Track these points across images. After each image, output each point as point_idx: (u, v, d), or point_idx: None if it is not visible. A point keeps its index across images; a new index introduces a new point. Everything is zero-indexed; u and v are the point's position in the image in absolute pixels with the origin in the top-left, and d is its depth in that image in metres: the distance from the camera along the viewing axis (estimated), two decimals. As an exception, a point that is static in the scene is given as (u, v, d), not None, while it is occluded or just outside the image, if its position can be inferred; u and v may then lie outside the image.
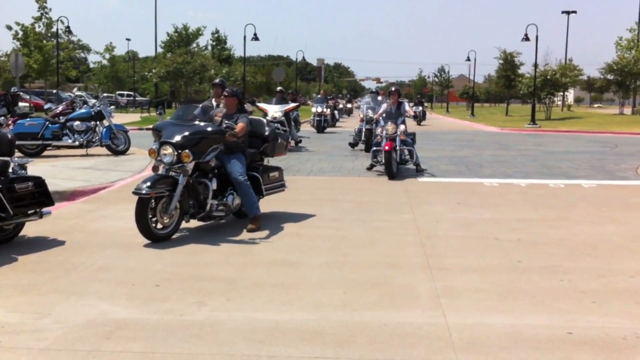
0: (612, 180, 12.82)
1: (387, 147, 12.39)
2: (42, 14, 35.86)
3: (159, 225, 7.35)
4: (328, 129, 28.32)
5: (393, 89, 14.23)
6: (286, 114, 18.30)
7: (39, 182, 7.38)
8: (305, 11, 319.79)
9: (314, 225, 8.41)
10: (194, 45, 46.22)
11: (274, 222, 8.53)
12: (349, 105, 47.16)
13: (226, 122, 7.87)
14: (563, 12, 64.87)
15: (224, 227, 8.31)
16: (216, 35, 47.92)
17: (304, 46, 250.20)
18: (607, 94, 78.99)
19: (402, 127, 13.01)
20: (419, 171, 13.35)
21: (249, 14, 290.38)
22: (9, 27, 36.17)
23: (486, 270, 6.33)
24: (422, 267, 6.42)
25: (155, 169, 7.57)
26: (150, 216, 7.23)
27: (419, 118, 36.53)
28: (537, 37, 33.73)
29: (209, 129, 7.60)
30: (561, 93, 47.14)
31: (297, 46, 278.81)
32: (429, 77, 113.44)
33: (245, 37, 32.34)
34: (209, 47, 47.43)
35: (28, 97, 41.23)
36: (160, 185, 7.20)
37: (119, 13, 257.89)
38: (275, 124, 13.81)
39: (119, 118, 34.75)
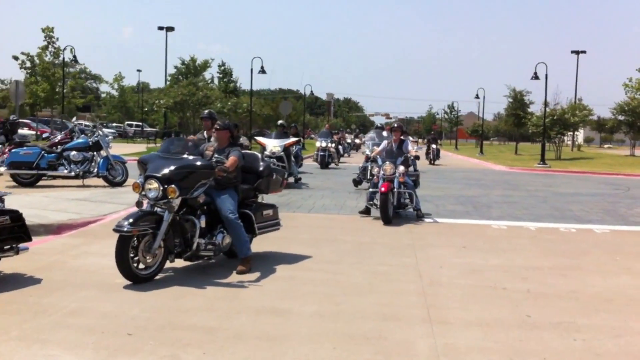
0: (625, 226, 12.25)
1: (383, 189, 11.39)
2: (48, 42, 35.88)
3: (141, 265, 6.86)
4: (332, 165, 27.68)
5: (396, 124, 13.26)
6: (286, 149, 17.62)
7: (16, 216, 6.93)
8: (315, 45, 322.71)
9: (309, 268, 7.90)
10: (201, 77, 46.26)
11: (267, 263, 8.02)
12: (357, 141, 46.75)
13: (216, 156, 7.41)
14: (572, 52, 64.85)
15: (212, 267, 7.81)
16: (222, 67, 47.97)
17: (311, 80, 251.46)
18: (618, 135, 78.58)
19: (401, 168, 11.87)
20: (419, 217, 12.13)
21: (261, 47, 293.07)
22: (16, 57, 36.21)
23: (492, 325, 5.78)
24: (422, 320, 5.88)
25: (139, 204, 7.10)
26: (132, 255, 6.74)
27: (433, 157, 34.08)
28: (546, 75, 33.45)
29: (198, 163, 7.14)
30: (571, 133, 46.63)
31: (306, 81, 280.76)
32: (438, 113, 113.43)
33: (252, 69, 32.27)
34: (215, 80, 47.49)
35: (35, 125, 41.33)
36: (143, 223, 6.72)
37: (132, 45, 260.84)
38: (272, 159, 13.19)
39: (125, 148, 34.72)
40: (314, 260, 8.36)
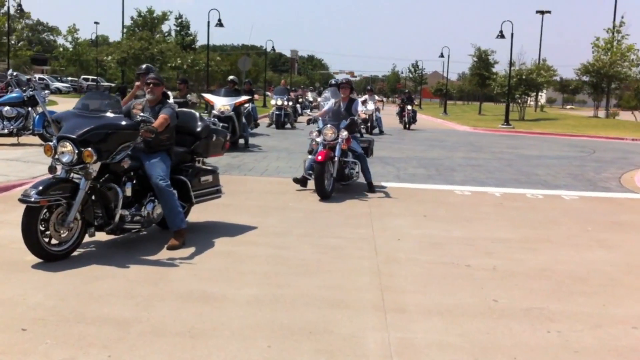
0: (594, 192, 11.63)
1: (319, 157, 9.54)
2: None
3: (54, 241, 5.92)
4: (289, 126, 25.40)
5: (344, 80, 11.23)
6: (236, 108, 16.01)
7: None
8: (280, 1, 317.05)
9: (253, 242, 7.04)
10: (158, 30, 44.43)
11: (205, 235, 7.15)
12: (319, 99, 45.45)
13: (142, 114, 6.42)
14: (537, 12, 64.23)
15: (141, 241, 6.91)
16: (179, 20, 46.08)
17: (275, 36, 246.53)
18: (580, 96, 78.72)
19: (344, 132, 9.98)
20: (371, 191, 10.42)
21: (225, 1, 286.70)
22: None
23: (454, 313, 5.03)
24: (374, 307, 5.09)
25: (51, 169, 6.13)
26: (42, 229, 5.80)
27: (408, 120, 28.96)
28: (512, 34, 32.64)
29: (120, 122, 6.16)
30: (534, 93, 46.24)
31: (270, 37, 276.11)
32: (402, 72, 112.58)
33: (209, 22, 30.64)
34: (172, 33, 45.63)
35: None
36: (54, 191, 5.77)
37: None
38: (213, 119, 11.64)
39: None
40: (259, 231, 7.51)
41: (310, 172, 9.92)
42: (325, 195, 9.59)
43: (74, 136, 5.91)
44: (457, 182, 12.09)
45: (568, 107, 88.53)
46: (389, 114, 36.15)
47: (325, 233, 7.57)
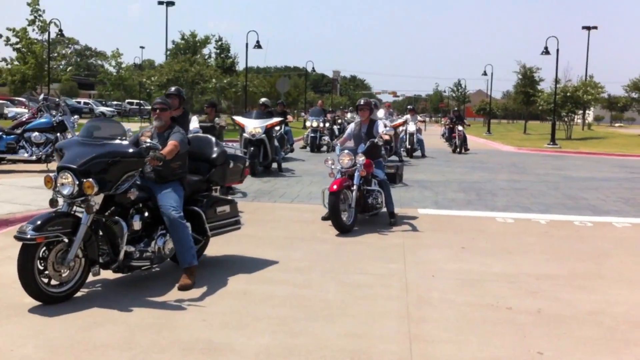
0: (649, 218, 10.79)
1: (334, 187, 8.74)
2: (35, 17, 34.14)
3: (53, 282, 5.47)
4: (325, 148, 23.15)
5: (362, 101, 10.08)
6: (268, 130, 15.49)
7: None
8: (323, 23, 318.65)
9: (272, 279, 6.49)
10: (200, 54, 44.56)
11: (221, 272, 6.63)
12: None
13: (148, 141, 5.94)
14: (584, 28, 62.76)
15: (152, 279, 6.41)
16: (219, 43, 46.16)
17: (319, 58, 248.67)
18: (628, 113, 76.53)
19: (361, 157, 9.06)
20: (392, 224, 9.37)
21: (268, 25, 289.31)
22: (-1, 35, 34.49)
23: (492, 369, 4.38)
24: (400, 361, 4.47)
25: (53, 203, 5.70)
26: (41, 268, 5.36)
27: (460, 144, 25.69)
28: (557, 50, 31.61)
29: (123, 149, 5.69)
30: (581, 111, 44.88)
31: (312, 57, 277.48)
32: (445, 91, 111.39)
33: (247, 44, 30.50)
34: (212, 56, 45.67)
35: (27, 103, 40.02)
36: (53, 227, 5.32)
37: (139, 21, 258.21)
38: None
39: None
40: (280, 266, 6.96)
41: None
42: (343, 229, 8.73)
43: (74, 166, 5.47)
44: (499, 208, 11.36)
45: (617, 124, 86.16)
46: (433, 134, 35.28)
47: (352, 268, 6.98)
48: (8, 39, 34.45)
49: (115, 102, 68.76)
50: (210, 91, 35.26)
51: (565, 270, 7.16)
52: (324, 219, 9.57)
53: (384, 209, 9.66)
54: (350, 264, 7.18)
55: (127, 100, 66.48)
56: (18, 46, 35.09)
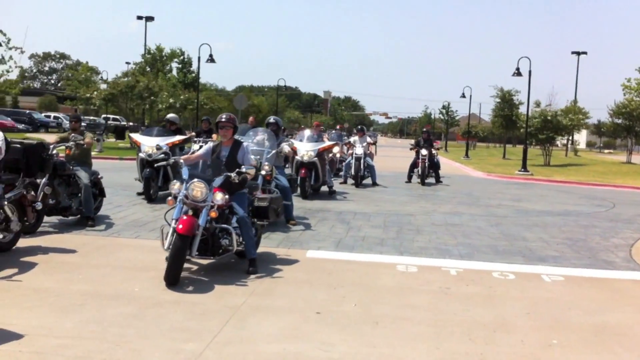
0: (588, 269, 8.71)
1: (180, 227, 6.69)
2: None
3: None
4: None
5: (224, 117, 7.93)
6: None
7: None
8: (317, 44, 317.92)
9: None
10: (167, 68, 42.77)
11: None
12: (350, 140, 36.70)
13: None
14: (573, 53, 61.24)
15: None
16: (181, 57, 44.26)
17: (312, 78, 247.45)
18: (620, 140, 74.75)
19: (219, 196, 7.09)
20: (250, 272, 7.37)
21: (264, 43, 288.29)
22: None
23: None
24: None
25: None
26: None
27: (422, 172, 20.94)
28: (530, 71, 29.51)
29: None
30: (563, 137, 42.98)
31: (305, 78, 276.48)
32: (433, 114, 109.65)
33: (199, 57, 28.33)
34: (174, 71, 43.80)
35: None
36: None
37: (137, 36, 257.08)
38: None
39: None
40: (20, 343, 4.86)
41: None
42: (176, 280, 6.72)
43: None
44: (411, 251, 9.33)
45: (606, 151, 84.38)
46: (405, 157, 33.20)
47: (124, 351, 4.88)
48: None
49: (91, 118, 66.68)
50: (165, 106, 33.26)
51: (436, 356, 5.09)
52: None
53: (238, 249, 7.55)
54: (132, 341, 5.09)
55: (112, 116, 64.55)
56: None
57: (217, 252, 7.29)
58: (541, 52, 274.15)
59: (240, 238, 7.51)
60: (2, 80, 36.83)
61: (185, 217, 6.84)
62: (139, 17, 59.49)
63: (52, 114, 64.19)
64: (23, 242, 8.42)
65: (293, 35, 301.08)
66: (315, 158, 14.80)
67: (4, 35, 32.79)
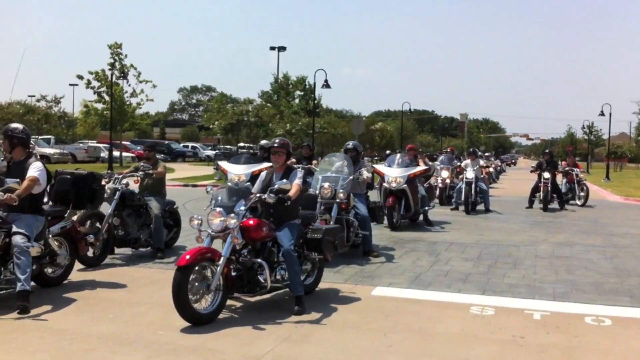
0: None
1: (186, 258, 6.05)
2: (115, 60, 34.04)
3: None
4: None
5: (275, 142, 7.40)
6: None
7: None
8: (451, 65, 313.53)
9: None
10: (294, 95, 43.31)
11: None
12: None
13: None
14: None
15: None
16: (303, 85, 44.54)
17: (450, 100, 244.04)
18: None
19: (233, 220, 6.37)
20: (296, 312, 6.67)
21: (405, 68, 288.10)
22: (80, 77, 34.58)
23: None
24: None
25: None
26: None
27: (544, 197, 19.13)
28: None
29: None
30: None
31: (446, 101, 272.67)
32: (576, 134, 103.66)
33: (314, 83, 28.19)
34: (297, 99, 44.20)
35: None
36: None
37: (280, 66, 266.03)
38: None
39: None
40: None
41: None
42: (197, 319, 6.14)
43: None
44: (496, 289, 8.21)
45: None
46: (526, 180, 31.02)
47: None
48: (89, 82, 34.60)
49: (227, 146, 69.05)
50: (282, 132, 33.48)
51: None
52: None
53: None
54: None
55: (239, 145, 66.54)
56: (101, 90, 35.19)
57: (254, 289, 6.63)
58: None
59: (286, 274, 6.82)
60: (137, 114, 38.98)
61: (197, 248, 6.27)
62: (272, 48, 61.33)
63: (190, 144, 66.95)
64: (80, 276, 8.25)
65: (428, 59, 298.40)
66: (405, 185, 13.63)
67: (135, 69, 34.66)
